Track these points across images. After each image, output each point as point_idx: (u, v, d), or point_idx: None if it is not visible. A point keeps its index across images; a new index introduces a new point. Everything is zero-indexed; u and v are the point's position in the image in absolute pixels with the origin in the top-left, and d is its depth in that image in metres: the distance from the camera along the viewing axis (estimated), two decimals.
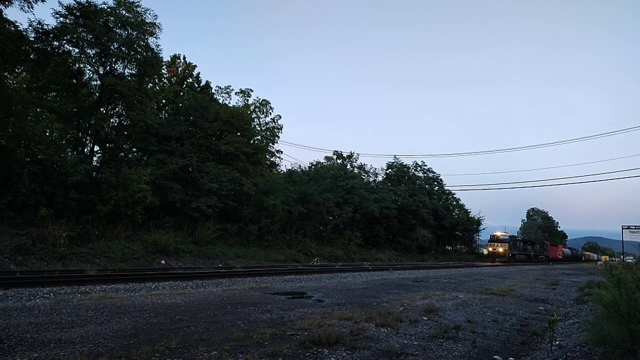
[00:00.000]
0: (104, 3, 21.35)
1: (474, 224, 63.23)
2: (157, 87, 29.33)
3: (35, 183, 18.17)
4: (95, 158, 23.20)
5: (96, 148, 23.36)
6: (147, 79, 24.67)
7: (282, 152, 39.49)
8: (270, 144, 37.89)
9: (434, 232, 50.10)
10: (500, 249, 49.34)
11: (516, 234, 80.00)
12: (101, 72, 22.45)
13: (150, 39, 22.94)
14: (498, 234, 52.84)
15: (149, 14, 22.65)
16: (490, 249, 50.91)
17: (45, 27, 19.76)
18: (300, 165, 42.23)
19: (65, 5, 20.27)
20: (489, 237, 54.25)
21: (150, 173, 21.21)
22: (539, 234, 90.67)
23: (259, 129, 36.35)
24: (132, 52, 22.49)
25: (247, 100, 36.62)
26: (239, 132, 29.07)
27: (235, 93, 36.22)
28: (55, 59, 20.50)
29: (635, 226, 48.05)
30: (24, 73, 20.88)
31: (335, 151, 47.24)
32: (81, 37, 20.76)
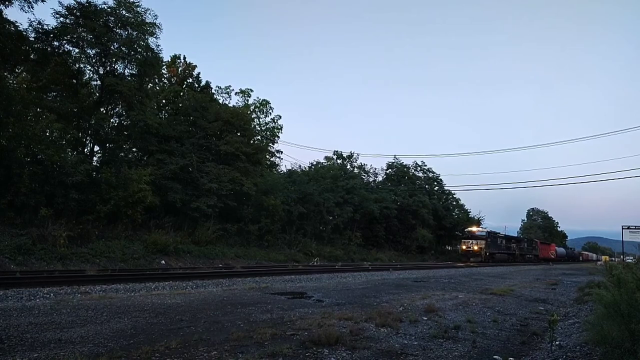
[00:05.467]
0: (104, 3, 21.39)
1: (474, 224, 63.16)
2: (157, 87, 29.30)
3: (35, 183, 18.15)
4: (95, 158, 23.20)
5: (96, 148, 23.36)
6: (147, 79, 24.67)
7: (282, 152, 39.51)
8: (270, 144, 37.90)
9: (434, 232, 49.92)
10: (476, 247, 42.14)
11: (518, 232, 79.03)
12: (101, 72, 22.45)
13: (150, 39, 22.98)
14: (473, 229, 45.80)
15: (149, 14, 22.70)
16: (464, 246, 43.42)
17: (45, 27, 19.77)
18: (300, 165, 42.22)
19: (65, 5, 20.30)
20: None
21: (150, 173, 21.19)
22: (539, 234, 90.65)
23: (259, 129, 36.35)
24: (132, 52, 22.49)
25: (247, 100, 36.64)
26: (239, 132, 29.05)
27: (235, 93, 36.24)
28: (55, 59, 20.50)
29: (635, 226, 47.93)
30: (24, 73, 20.88)
31: (335, 151, 47.24)
32: (81, 37, 20.76)
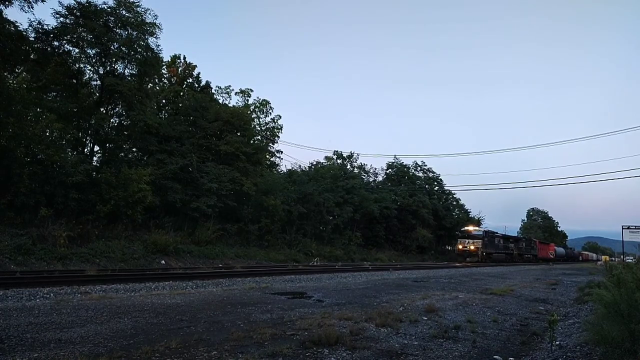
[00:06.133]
0: (104, 3, 21.35)
1: (474, 224, 63.09)
2: (157, 87, 29.31)
3: (35, 183, 18.15)
4: (95, 158, 23.19)
5: (96, 148, 23.35)
6: (147, 79, 24.65)
7: (282, 152, 39.56)
8: (270, 144, 37.93)
9: (434, 232, 49.89)
10: (472, 247, 40.99)
11: (518, 232, 78.70)
12: (101, 72, 22.43)
13: (150, 39, 22.93)
14: (470, 228, 44.87)
15: (149, 14, 22.65)
16: (460, 246, 42.12)
17: (45, 27, 19.74)
18: (300, 165, 42.25)
19: (65, 5, 20.27)
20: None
21: (150, 173, 21.19)
22: (539, 234, 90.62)
23: (259, 129, 36.37)
24: (132, 52, 22.46)
25: (247, 100, 36.68)
26: (239, 132, 29.07)
27: (235, 93, 36.29)
28: (55, 59, 20.48)
29: (635, 226, 47.83)
30: (24, 73, 20.86)
31: (335, 151, 47.24)
32: (81, 37, 20.75)
